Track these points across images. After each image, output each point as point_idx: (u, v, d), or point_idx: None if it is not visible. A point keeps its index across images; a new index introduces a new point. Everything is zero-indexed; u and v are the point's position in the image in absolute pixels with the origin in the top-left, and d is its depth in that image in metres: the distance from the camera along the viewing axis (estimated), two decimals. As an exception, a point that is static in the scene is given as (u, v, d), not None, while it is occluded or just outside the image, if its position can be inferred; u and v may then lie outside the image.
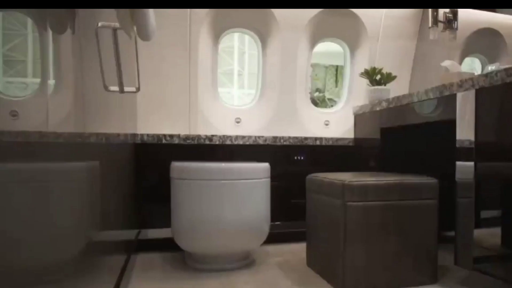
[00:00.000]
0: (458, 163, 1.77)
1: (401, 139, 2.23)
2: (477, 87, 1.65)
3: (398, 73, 2.71)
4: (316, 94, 3.13)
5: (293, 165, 2.48)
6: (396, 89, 2.59)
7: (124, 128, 2.14)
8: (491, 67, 2.21)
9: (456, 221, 1.76)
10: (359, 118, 2.53)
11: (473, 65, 2.89)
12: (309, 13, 2.48)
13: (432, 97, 1.90)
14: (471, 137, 1.71)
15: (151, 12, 1.19)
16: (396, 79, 2.68)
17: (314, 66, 3.15)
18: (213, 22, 2.40)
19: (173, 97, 2.37)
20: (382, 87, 2.44)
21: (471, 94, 1.69)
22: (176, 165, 1.94)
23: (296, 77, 2.57)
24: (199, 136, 2.30)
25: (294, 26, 2.47)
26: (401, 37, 2.67)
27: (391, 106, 2.20)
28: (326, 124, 2.71)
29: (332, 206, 1.75)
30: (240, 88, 4.00)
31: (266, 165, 1.99)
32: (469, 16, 2.67)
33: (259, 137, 2.39)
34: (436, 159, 2.10)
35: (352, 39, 2.67)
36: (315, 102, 3.21)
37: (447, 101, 1.83)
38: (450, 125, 1.86)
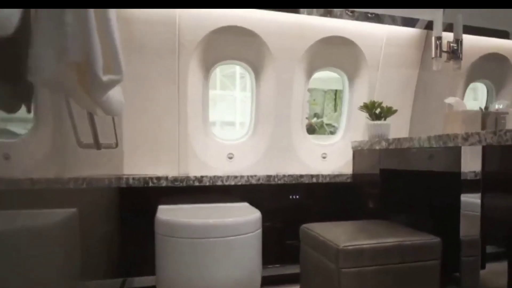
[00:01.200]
0: (462, 222, 1.65)
1: (402, 183, 2.10)
2: (484, 143, 1.51)
3: (400, 102, 2.58)
4: (314, 119, 3.00)
5: (288, 204, 2.35)
6: (398, 121, 2.46)
7: (108, 170, 2.03)
8: (498, 105, 2.06)
9: (461, 280, 1.64)
10: (358, 154, 2.40)
11: (475, 95, 2.76)
12: (306, 43, 2.34)
13: (434, 145, 1.76)
14: (478, 196, 1.58)
15: (116, 90, 1.07)
16: (398, 109, 2.55)
17: (312, 90, 3.01)
18: (203, 55, 2.26)
19: (161, 134, 2.25)
20: (382, 122, 2.30)
21: (478, 149, 1.56)
22: (160, 219, 1.81)
23: (292, 109, 2.44)
24: (188, 178, 2.17)
25: (289, 57, 2.34)
26: (402, 66, 2.52)
27: (391, 147, 2.06)
28: (324, 157, 2.58)
29: (325, 268, 1.63)
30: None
31: (257, 216, 1.86)
32: (475, 42, 2.53)
33: (252, 176, 2.26)
34: (439, 212, 1.96)
35: (351, 68, 2.53)
36: (313, 128, 3.08)
37: (451, 152, 1.69)
38: (454, 178, 1.73)
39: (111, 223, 1.98)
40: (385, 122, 2.30)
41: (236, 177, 2.24)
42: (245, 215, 1.84)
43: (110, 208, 1.97)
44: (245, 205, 2.11)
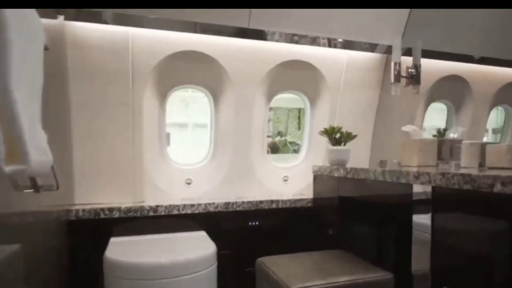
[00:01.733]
0: (413, 256, 1.65)
1: (359, 212, 2.09)
2: (433, 184, 1.50)
3: (361, 124, 2.58)
4: (278, 138, 2.97)
5: (247, 231, 2.31)
6: (359, 143, 2.45)
7: (56, 201, 1.93)
8: (453, 134, 2.08)
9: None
10: (318, 178, 2.38)
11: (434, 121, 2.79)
12: (265, 67, 2.30)
13: (388, 180, 1.75)
14: (428, 231, 1.58)
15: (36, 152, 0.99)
16: (359, 131, 2.54)
17: (276, 109, 2.98)
18: (158, 80, 2.19)
19: (115, 162, 2.16)
20: (342, 147, 2.28)
21: (429, 188, 1.56)
22: (109, 259, 1.73)
23: (252, 133, 2.39)
24: (142, 208, 2.10)
25: (249, 81, 2.29)
26: (363, 88, 2.51)
27: (348, 176, 2.05)
28: (285, 180, 2.55)
29: (278, 309, 1.60)
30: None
31: (212, 251, 1.81)
32: (435, 64, 2.55)
33: (209, 204, 2.21)
34: (393, 244, 1.96)
35: (312, 91, 2.50)
36: (277, 147, 3.05)
37: (404, 189, 1.68)
38: (406, 212, 1.73)
39: (59, 260, 1.89)
40: (344, 147, 2.29)
41: (193, 205, 2.18)
42: (199, 250, 1.78)
43: (58, 243, 1.88)
44: (201, 235, 2.06)
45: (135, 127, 2.15)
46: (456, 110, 2.84)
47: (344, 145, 2.32)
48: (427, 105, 2.74)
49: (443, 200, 1.52)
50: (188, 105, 3.26)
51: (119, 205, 2.08)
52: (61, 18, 1.84)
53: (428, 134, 2.73)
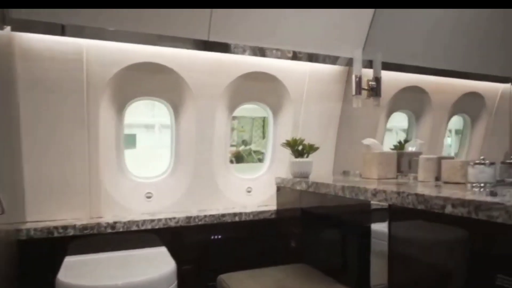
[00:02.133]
0: (372, 271, 1.66)
1: (321, 225, 2.09)
2: (390, 202, 1.52)
3: (324, 135, 2.59)
4: (242, 147, 2.94)
5: (209, 245, 2.27)
6: (323, 153, 2.46)
7: (4, 220, 1.82)
8: (411, 148, 2.11)
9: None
10: (281, 190, 2.37)
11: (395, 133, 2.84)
12: (227, 79, 2.26)
13: (348, 196, 1.76)
14: (385, 247, 1.59)
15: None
16: (323, 141, 2.56)
17: (240, 118, 2.95)
18: (115, 93, 2.11)
19: (71, 177, 2.07)
20: (304, 159, 2.28)
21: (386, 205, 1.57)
22: (61, 282, 1.65)
23: (214, 144, 2.35)
24: (99, 225, 2.02)
25: (210, 93, 2.25)
26: (326, 99, 2.52)
27: (310, 190, 2.05)
28: (249, 191, 2.53)
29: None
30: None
31: (171, 269, 1.76)
32: (395, 76, 2.59)
33: (170, 219, 2.16)
34: (354, 258, 1.97)
35: (275, 102, 2.49)
36: (242, 156, 3.02)
37: (362, 205, 1.69)
38: (366, 227, 1.74)
39: (8, 285, 1.79)
40: (307, 159, 2.29)
41: (153, 220, 2.13)
42: (158, 269, 1.73)
43: (6, 267, 1.78)
44: (162, 251, 2.00)
45: (91, 141, 2.07)
46: (417, 119, 2.90)
47: (307, 157, 2.32)
48: (389, 115, 2.78)
49: (399, 216, 1.53)
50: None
51: (74, 222, 2.00)
52: (7, 28, 1.74)
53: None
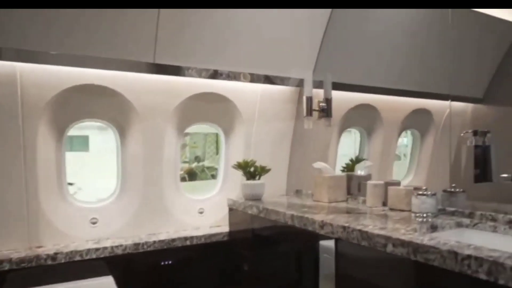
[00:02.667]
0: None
1: (272, 250, 2.07)
2: (336, 236, 1.52)
3: (278, 154, 2.58)
4: (195, 164, 2.88)
5: (160, 272, 2.20)
6: (276, 172, 2.45)
7: None
8: (360, 171, 2.14)
9: None
10: (234, 212, 2.33)
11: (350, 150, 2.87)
12: (175, 100, 2.19)
13: (297, 225, 1.75)
14: (332, 276, 1.59)
15: None
16: (275, 161, 2.55)
17: (192, 134, 2.88)
18: (54, 116, 1.99)
19: (4, 206, 1.93)
20: (256, 182, 2.26)
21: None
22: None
23: (163, 167, 2.28)
24: (38, 257, 1.90)
25: (158, 115, 2.17)
26: (278, 119, 2.51)
27: (261, 215, 2.03)
28: (201, 212, 2.47)
29: None
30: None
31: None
32: (346, 95, 2.62)
33: (117, 246, 2.06)
34: (304, 283, 1.97)
35: (226, 123, 2.45)
36: (195, 173, 2.95)
37: (309, 236, 1.68)
38: (314, 252, 1.73)
39: None
40: (259, 181, 2.27)
41: (98, 249, 2.03)
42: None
43: None
44: (107, 282, 1.91)
45: (27, 166, 1.93)
46: (368, 135, 2.95)
47: (259, 178, 2.30)
48: (341, 131, 2.81)
49: (345, 247, 1.53)
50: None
51: (10, 255, 1.87)
52: None
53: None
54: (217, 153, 2.81)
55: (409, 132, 3.37)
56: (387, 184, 1.90)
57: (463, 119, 3.60)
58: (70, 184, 2.62)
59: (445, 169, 3.63)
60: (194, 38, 2.02)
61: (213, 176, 2.78)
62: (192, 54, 2.05)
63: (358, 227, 1.41)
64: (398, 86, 2.74)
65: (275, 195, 2.53)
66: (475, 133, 1.65)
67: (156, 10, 1.87)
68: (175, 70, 2.07)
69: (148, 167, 2.23)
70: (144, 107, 2.12)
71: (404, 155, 3.15)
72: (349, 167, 2.45)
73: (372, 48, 2.40)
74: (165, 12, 1.88)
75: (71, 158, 2.28)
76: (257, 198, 2.27)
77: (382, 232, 1.31)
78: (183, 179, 3.00)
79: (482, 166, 1.62)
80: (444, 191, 1.71)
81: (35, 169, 1.97)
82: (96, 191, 2.76)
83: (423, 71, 2.65)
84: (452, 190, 1.69)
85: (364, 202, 2.00)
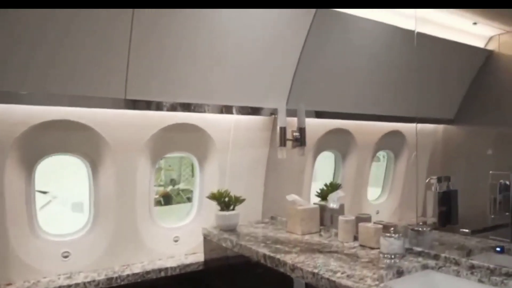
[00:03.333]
0: None
1: (247, 283, 2.08)
2: (307, 280, 1.54)
3: (253, 179, 2.60)
4: (170, 187, 2.86)
5: (134, 305, 2.18)
6: (251, 200, 2.48)
7: None
8: (332, 204, 2.17)
9: None
10: (208, 242, 2.33)
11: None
12: (148, 132, 2.18)
13: (269, 265, 1.76)
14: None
15: None
16: (252, 187, 2.57)
17: (168, 158, 2.86)
18: (23, 152, 1.95)
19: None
20: (230, 212, 2.27)
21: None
22: None
23: (137, 197, 2.26)
24: (6, 297, 1.87)
25: (130, 147, 2.16)
26: (252, 146, 2.53)
27: (235, 249, 2.04)
28: (176, 241, 2.46)
29: None
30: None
31: None
32: (321, 120, 2.66)
33: (89, 282, 2.04)
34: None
35: (200, 152, 2.45)
36: (170, 197, 2.94)
37: (283, 278, 1.70)
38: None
39: None
40: (233, 212, 2.28)
41: (69, 286, 2.00)
42: None
43: None
44: None
45: (-5, 203, 1.90)
46: (343, 158, 3.00)
47: (233, 208, 2.31)
48: (316, 155, 2.84)
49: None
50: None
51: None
52: None
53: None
54: (193, 175, 2.81)
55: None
56: (358, 219, 1.94)
57: (435, 139, 3.71)
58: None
59: (418, 192, 3.68)
60: (166, 73, 2.01)
61: (189, 199, 2.78)
62: (164, 89, 2.04)
63: (327, 275, 1.43)
64: (370, 112, 2.80)
65: (251, 221, 2.54)
66: (439, 179, 1.68)
67: (127, 45, 1.85)
68: (147, 105, 2.05)
69: (121, 199, 2.21)
70: (116, 140, 2.10)
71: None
72: (323, 193, 2.48)
73: (343, 77, 2.44)
74: (135, 48, 1.87)
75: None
76: (231, 229, 2.28)
77: (349, 283, 1.34)
78: (158, 202, 2.98)
79: (447, 211, 1.67)
80: (412, 229, 1.75)
81: (3, 205, 1.93)
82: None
83: (394, 96, 2.71)
84: (419, 229, 1.73)
85: (336, 235, 2.03)
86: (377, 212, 3.41)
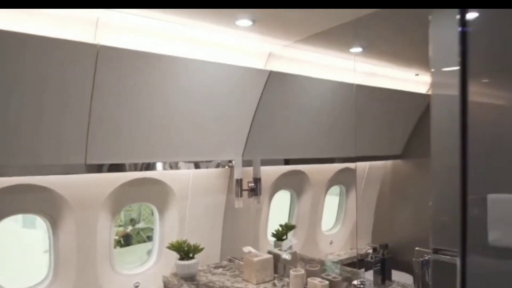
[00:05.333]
0: None
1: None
2: None
3: (212, 222, 2.71)
4: (130, 228, 2.92)
5: None
6: (211, 242, 2.59)
7: None
8: (285, 256, 2.32)
9: None
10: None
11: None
12: (108, 189, 2.24)
13: (225, 323, 1.89)
14: None
15: None
16: (211, 230, 2.68)
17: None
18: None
19: None
20: (190, 262, 2.37)
21: None
22: None
23: (97, 249, 2.31)
24: None
25: (90, 204, 2.21)
26: (211, 193, 2.64)
27: (193, 302, 2.14)
28: (136, 287, 2.53)
29: None
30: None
31: None
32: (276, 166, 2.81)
33: None
34: None
35: (160, 201, 2.53)
36: (130, 236, 3.00)
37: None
38: None
39: None
40: (192, 261, 2.38)
41: None
42: None
43: None
44: None
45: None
46: (298, 196, 3.17)
47: (193, 257, 2.41)
48: (272, 195, 2.99)
49: None
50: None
51: None
52: None
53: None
54: (153, 213, 2.88)
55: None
56: (307, 272, 2.10)
57: (385, 171, 4.00)
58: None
59: (368, 221, 3.96)
60: (126, 136, 2.08)
61: (149, 238, 2.84)
62: (124, 152, 2.10)
63: None
64: (320, 156, 2.99)
65: (210, 264, 2.65)
66: (374, 249, 1.86)
67: (87, 113, 1.90)
68: (107, 167, 2.12)
69: (82, 252, 2.25)
70: (76, 199, 2.14)
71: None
72: (279, 234, 2.64)
73: (295, 128, 2.61)
74: (95, 115, 1.93)
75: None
76: (191, 276, 2.38)
77: None
78: (118, 242, 3.03)
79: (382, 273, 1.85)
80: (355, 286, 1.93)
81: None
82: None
83: (341, 140, 2.93)
84: None
85: (288, 285, 2.19)
86: (331, 242, 3.65)
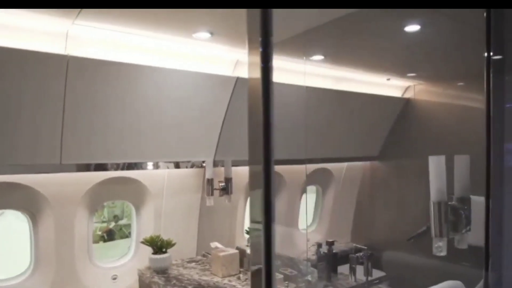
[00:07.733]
0: None
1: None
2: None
3: (187, 221, 2.85)
4: (113, 224, 3.08)
5: None
6: (187, 238, 2.74)
7: None
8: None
9: None
10: (143, 282, 2.58)
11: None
12: (85, 187, 2.40)
13: (186, 313, 2.03)
14: None
15: None
16: (185, 228, 2.82)
17: (109, 198, 3.07)
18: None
19: None
20: (162, 256, 2.52)
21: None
22: None
23: (75, 243, 2.47)
24: None
25: (68, 201, 2.37)
26: (186, 192, 2.78)
27: (161, 293, 2.29)
28: (114, 278, 2.69)
29: None
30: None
31: None
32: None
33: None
34: None
35: (136, 199, 2.68)
36: (114, 232, 3.16)
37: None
38: None
39: None
40: (165, 255, 2.53)
41: None
42: None
43: None
44: None
45: None
46: (276, 195, 3.31)
47: (165, 251, 2.56)
48: (247, 197, 3.13)
49: None
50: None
51: None
52: None
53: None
54: (136, 210, 3.02)
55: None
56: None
57: (364, 171, 4.12)
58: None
59: (347, 220, 4.11)
60: (101, 137, 2.22)
61: (131, 234, 3.00)
62: (99, 153, 2.25)
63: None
64: (295, 157, 3.11)
65: (185, 258, 2.80)
66: (319, 245, 1.98)
67: (60, 118, 2.05)
68: (83, 167, 2.27)
69: (60, 247, 2.41)
70: (54, 196, 2.30)
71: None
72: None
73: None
74: (68, 120, 2.08)
75: None
76: (164, 269, 2.53)
77: None
78: (102, 237, 3.20)
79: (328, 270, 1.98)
80: None
81: None
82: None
83: (317, 141, 3.06)
84: None
85: (252, 278, 2.32)
86: (308, 240, 3.78)
